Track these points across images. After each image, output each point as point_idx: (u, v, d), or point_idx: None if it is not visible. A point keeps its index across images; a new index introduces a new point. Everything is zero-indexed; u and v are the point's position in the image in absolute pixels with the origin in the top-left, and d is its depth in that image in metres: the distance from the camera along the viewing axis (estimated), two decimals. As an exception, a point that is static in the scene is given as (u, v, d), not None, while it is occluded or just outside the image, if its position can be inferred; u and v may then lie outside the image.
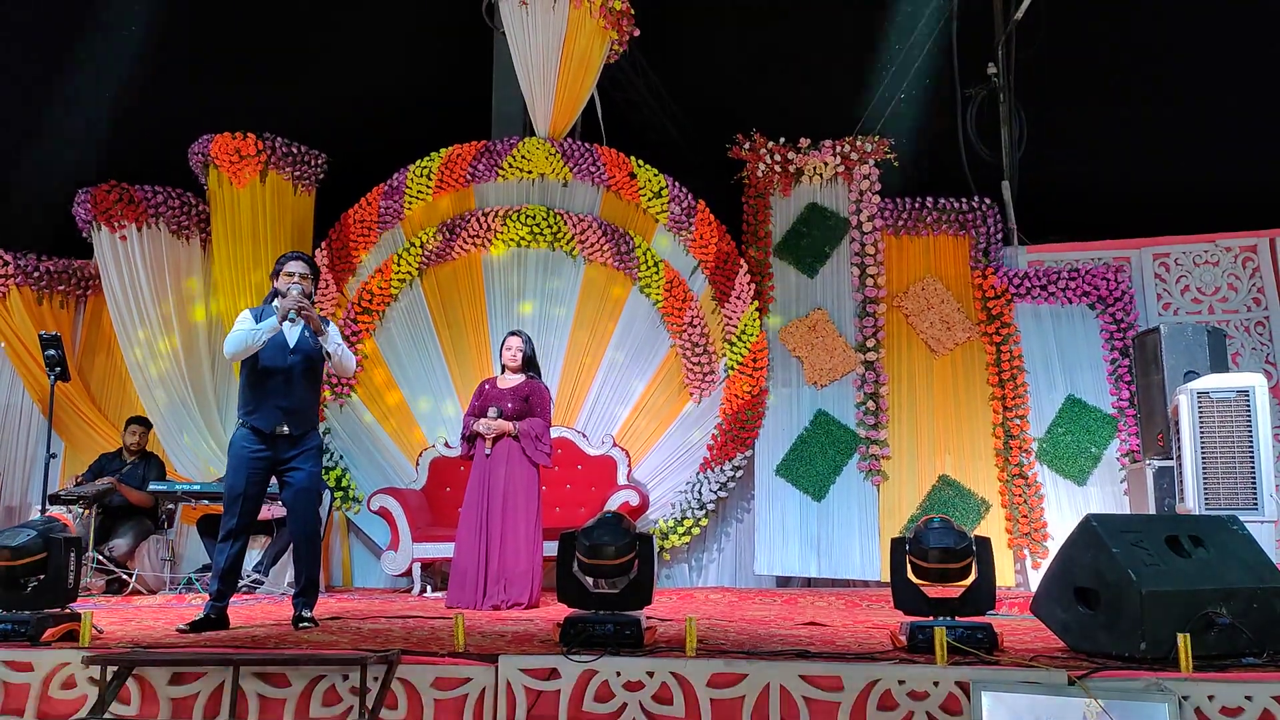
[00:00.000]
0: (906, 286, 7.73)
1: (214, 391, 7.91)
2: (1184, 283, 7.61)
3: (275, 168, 8.10)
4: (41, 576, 3.76)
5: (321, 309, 7.88)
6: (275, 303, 4.53)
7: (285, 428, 4.50)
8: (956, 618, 3.42)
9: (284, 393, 4.51)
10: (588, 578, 3.70)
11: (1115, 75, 8.56)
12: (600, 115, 8.44)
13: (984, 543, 3.52)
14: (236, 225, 8.01)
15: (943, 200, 7.81)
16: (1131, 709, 2.84)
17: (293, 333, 4.59)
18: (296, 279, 4.58)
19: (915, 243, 7.86)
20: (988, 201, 7.86)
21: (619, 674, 3.25)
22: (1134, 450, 7.07)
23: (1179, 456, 5.20)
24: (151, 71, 8.92)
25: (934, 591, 3.55)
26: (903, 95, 8.27)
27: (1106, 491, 7.16)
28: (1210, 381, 5.19)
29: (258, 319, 4.51)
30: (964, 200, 7.82)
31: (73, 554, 3.85)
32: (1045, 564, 6.87)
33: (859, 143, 7.78)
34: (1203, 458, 4.97)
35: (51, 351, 6.40)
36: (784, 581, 7.46)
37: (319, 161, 8.37)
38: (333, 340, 4.62)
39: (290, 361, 4.55)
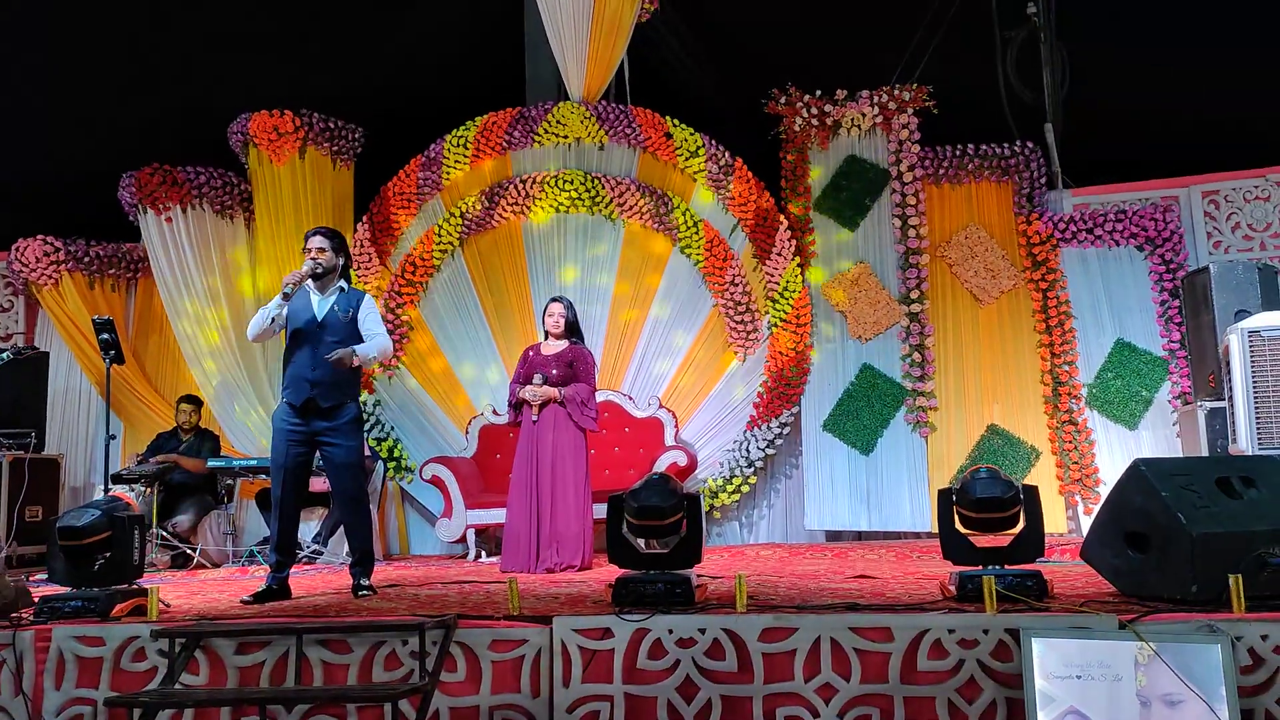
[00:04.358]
0: (949, 236, 7.63)
1: (264, 367, 8.06)
2: (1234, 220, 7.42)
3: (314, 143, 8.18)
4: (108, 554, 3.90)
5: (365, 283, 7.98)
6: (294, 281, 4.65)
7: (315, 400, 4.56)
8: (1006, 566, 3.43)
9: (312, 365, 4.57)
10: (638, 539, 3.75)
11: (1157, 9, 8.29)
12: (628, 76, 8.36)
13: (1031, 491, 3.51)
14: (278, 202, 8.11)
15: (984, 146, 7.66)
16: (1184, 651, 2.84)
17: (321, 306, 4.67)
18: (313, 253, 4.68)
19: (957, 191, 7.74)
20: (1030, 145, 7.69)
21: (671, 631, 3.30)
22: (1186, 392, 6.95)
23: (1231, 397, 5.11)
24: (186, 52, 9.01)
25: (983, 541, 3.55)
26: (940, 41, 8.09)
27: (1159, 435, 7.06)
28: (1261, 320, 5.07)
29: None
30: (1006, 145, 7.67)
31: (137, 531, 3.99)
32: (1097, 509, 6.82)
33: (897, 92, 7.65)
34: (1254, 397, 4.87)
35: (105, 335, 6.55)
36: (835, 536, 7.48)
37: (356, 135, 8.43)
38: (365, 352, 4.65)
39: (318, 334, 4.61)
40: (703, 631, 3.28)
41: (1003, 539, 3.51)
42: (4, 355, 5.89)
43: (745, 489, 7.44)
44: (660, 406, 7.58)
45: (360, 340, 4.70)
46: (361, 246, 8.10)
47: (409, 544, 8.01)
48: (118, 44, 8.79)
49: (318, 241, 4.70)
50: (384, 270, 8.14)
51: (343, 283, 4.77)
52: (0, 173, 8.92)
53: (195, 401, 7.57)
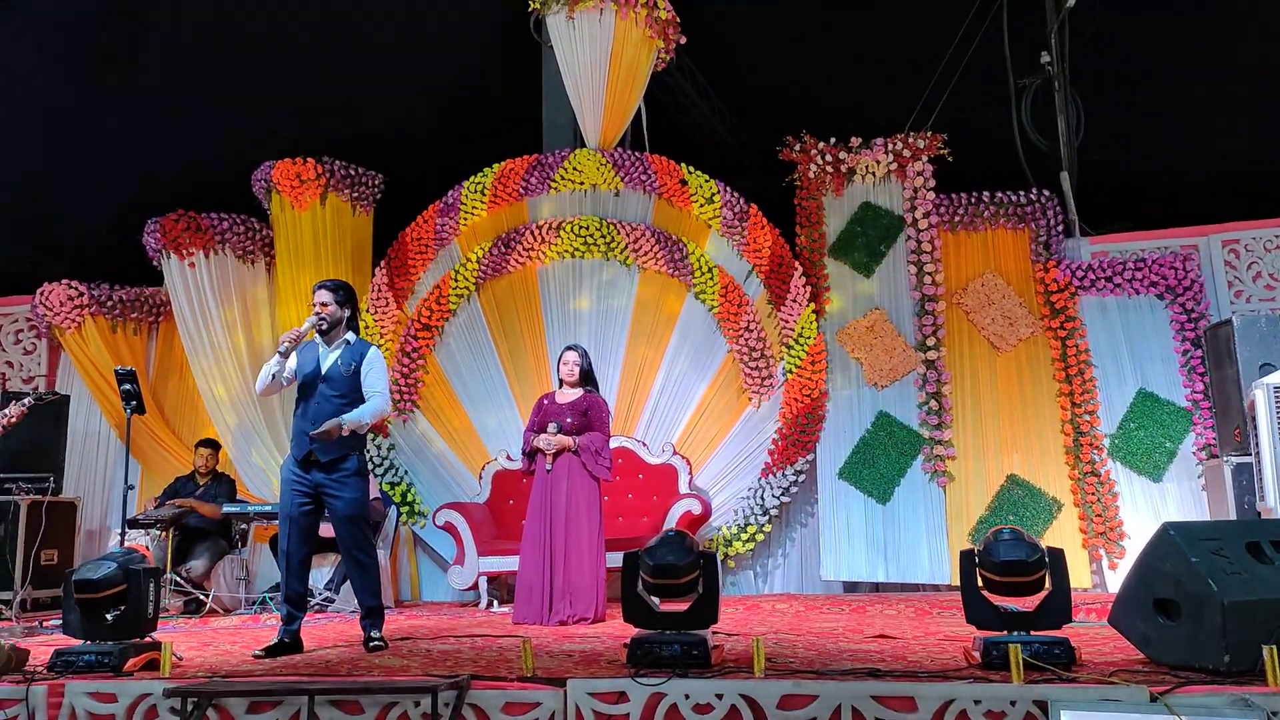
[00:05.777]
0: (966, 283, 7.60)
1: (282, 412, 8.06)
2: (1255, 269, 7.37)
3: (334, 190, 8.26)
4: (122, 607, 3.87)
5: (381, 327, 8.00)
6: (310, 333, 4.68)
7: (314, 454, 4.52)
8: (1032, 632, 3.36)
9: (311, 417, 4.54)
10: (653, 597, 3.70)
11: (1173, 56, 8.32)
12: (646, 124, 8.42)
13: (1057, 554, 3.44)
14: (299, 248, 8.18)
15: (1000, 194, 7.65)
16: (1217, 726, 2.76)
17: (326, 358, 4.65)
18: (317, 307, 4.66)
19: (973, 238, 7.72)
20: (1046, 193, 7.67)
21: (687, 696, 3.24)
22: (1211, 444, 6.85)
23: (1257, 453, 5.04)
24: (211, 99, 9.15)
25: (1006, 602, 3.48)
26: (954, 89, 8.13)
27: (1184, 487, 6.93)
28: (1287, 375, 5.03)
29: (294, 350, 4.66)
30: (1022, 193, 7.65)
31: (152, 584, 3.96)
32: (1122, 564, 6.72)
33: (911, 139, 7.65)
34: (1283, 456, 4.82)
35: (127, 386, 6.56)
36: (851, 586, 7.37)
37: (376, 182, 8.51)
38: (356, 418, 4.57)
39: (318, 387, 4.59)
40: (720, 697, 3.22)
41: (1028, 601, 3.44)
42: (26, 401, 5.88)
43: (760, 537, 7.36)
44: (674, 453, 7.53)
45: (360, 394, 4.63)
46: (379, 291, 8.13)
47: (420, 590, 7.95)
48: (144, 90, 8.93)
49: (322, 296, 4.68)
50: (401, 314, 8.16)
51: (349, 335, 4.72)
52: (27, 218, 9.06)
53: (213, 445, 7.57)
